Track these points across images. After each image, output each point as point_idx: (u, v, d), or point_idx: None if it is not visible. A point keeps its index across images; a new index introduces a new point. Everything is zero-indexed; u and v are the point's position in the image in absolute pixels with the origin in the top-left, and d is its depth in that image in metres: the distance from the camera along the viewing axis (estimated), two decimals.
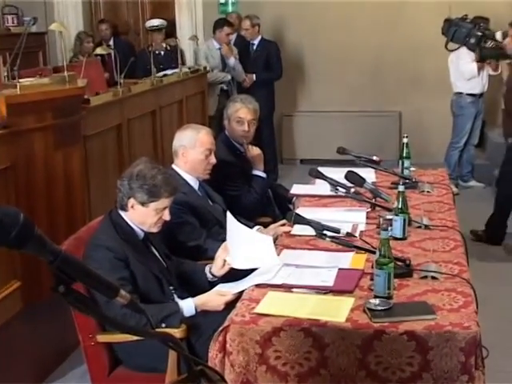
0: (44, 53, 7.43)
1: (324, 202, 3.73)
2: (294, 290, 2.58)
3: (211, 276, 2.98)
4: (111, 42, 7.92)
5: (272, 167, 6.85)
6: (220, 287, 2.84)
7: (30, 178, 3.64)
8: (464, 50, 6.23)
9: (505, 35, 6.01)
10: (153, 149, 5.57)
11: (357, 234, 3.09)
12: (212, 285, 2.94)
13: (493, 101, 7.39)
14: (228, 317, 2.39)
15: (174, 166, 3.51)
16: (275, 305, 2.44)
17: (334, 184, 3.56)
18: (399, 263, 2.63)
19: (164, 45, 7.50)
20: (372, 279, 2.52)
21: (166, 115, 5.90)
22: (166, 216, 2.85)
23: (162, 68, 6.72)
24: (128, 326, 1.96)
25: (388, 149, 7.43)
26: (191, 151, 3.46)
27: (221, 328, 2.34)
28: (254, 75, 7.34)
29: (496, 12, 6.99)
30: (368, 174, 3.88)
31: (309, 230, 3.01)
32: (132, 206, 2.81)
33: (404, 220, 3.05)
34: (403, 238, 3.04)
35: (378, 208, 3.44)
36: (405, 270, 2.65)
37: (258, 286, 2.62)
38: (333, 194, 3.60)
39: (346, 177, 3.57)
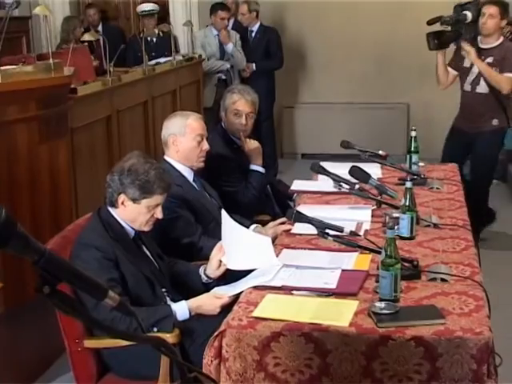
0: (27, 39, 7.39)
1: (326, 198, 3.74)
2: (295, 292, 2.59)
3: (206, 278, 2.98)
4: (100, 28, 7.93)
5: (271, 162, 6.84)
6: (216, 289, 2.84)
7: (12, 173, 3.64)
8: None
9: (477, 14, 5.71)
10: (144, 142, 5.58)
11: (361, 233, 3.10)
12: (207, 287, 2.94)
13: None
14: (224, 321, 2.40)
15: (165, 158, 3.51)
16: (274, 308, 2.45)
17: (338, 180, 3.56)
18: (406, 264, 2.64)
19: (156, 31, 7.50)
20: (377, 281, 2.52)
21: (158, 106, 5.89)
22: (159, 214, 2.85)
23: (154, 56, 6.72)
24: (117, 330, 1.97)
25: (395, 143, 7.42)
26: (182, 139, 3.46)
27: (216, 333, 2.34)
28: (254, 64, 7.31)
29: None
30: (373, 170, 3.90)
31: (310, 229, 3.02)
32: (122, 203, 2.81)
33: (411, 218, 3.05)
34: (411, 238, 3.05)
35: (383, 205, 3.45)
36: (412, 272, 2.65)
37: (256, 288, 2.63)
38: (336, 190, 3.61)
39: (350, 172, 3.57)
